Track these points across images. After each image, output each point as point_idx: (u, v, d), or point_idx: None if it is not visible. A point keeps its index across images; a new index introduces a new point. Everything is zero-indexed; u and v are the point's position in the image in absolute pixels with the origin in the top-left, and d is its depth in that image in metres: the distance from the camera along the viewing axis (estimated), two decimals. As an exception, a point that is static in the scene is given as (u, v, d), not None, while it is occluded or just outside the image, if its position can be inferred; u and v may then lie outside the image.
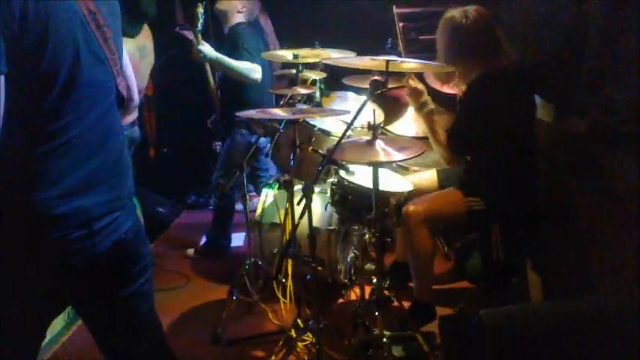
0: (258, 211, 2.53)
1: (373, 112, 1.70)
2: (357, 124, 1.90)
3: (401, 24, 3.25)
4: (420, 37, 3.29)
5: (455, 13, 2.01)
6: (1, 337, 1.11)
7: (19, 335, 1.13)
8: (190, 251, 3.10)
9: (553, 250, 2.25)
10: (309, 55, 2.18)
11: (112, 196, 1.11)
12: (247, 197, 2.27)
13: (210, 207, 3.29)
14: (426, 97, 2.05)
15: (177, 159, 3.92)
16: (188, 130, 3.76)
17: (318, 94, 2.48)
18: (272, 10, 3.49)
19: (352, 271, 2.43)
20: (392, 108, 2.63)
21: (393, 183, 2.19)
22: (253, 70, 2.68)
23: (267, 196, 2.56)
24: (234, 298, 2.30)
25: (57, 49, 0.96)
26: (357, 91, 2.55)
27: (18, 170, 1.01)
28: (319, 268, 1.77)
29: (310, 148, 1.97)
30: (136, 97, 1.26)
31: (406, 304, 2.15)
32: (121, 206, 1.13)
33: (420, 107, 2.04)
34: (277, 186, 2.53)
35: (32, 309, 1.11)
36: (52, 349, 2.16)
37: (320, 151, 1.97)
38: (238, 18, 2.82)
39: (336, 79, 2.63)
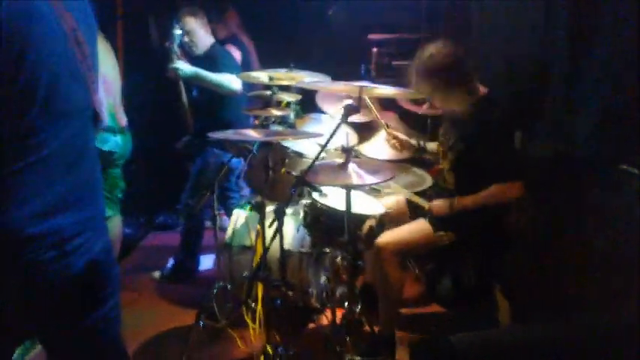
0: (229, 233, 2.47)
1: (346, 136, 1.71)
2: (331, 146, 1.91)
3: (375, 49, 3.35)
4: (393, 63, 3.39)
5: (426, 51, 2.04)
6: None
7: None
8: (156, 274, 2.99)
9: (520, 273, 2.29)
10: (284, 77, 2.19)
11: (85, 215, 1.07)
12: (217, 218, 2.22)
13: (179, 228, 3.21)
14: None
15: (146, 177, 3.82)
16: (158, 148, 3.69)
17: (292, 115, 2.50)
18: (250, 31, 3.52)
19: (324, 295, 2.40)
20: (364, 131, 2.67)
21: (365, 205, 2.19)
22: (233, 81, 2.68)
23: (239, 217, 2.51)
24: (201, 323, 2.22)
25: (36, 65, 0.95)
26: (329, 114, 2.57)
27: None
28: (290, 292, 1.74)
29: (284, 169, 1.96)
30: (105, 117, 1.24)
31: (377, 329, 2.12)
32: (93, 226, 1.09)
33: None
34: (249, 207, 2.49)
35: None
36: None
37: (293, 172, 1.96)
38: (209, 38, 2.83)
39: (310, 101, 2.66)
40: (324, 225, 2.07)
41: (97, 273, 1.09)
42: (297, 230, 2.34)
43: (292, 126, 2.46)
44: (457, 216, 1.98)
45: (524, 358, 1.21)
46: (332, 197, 2.08)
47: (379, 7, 3.67)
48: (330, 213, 2.03)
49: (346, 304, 1.91)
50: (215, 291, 2.29)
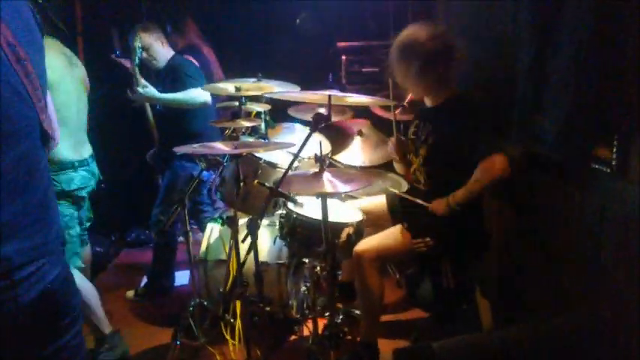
0: (203, 247, 2.41)
1: (319, 144, 1.68)
2: (305, 155, 1.88)
3: (344, 57, 3.36)
4: (363, 70, 3.40)
5: (413, 30, 1.92)
6: None
7: None
8: (130, 293, 2.89)
9: (499, 274, 2.31)
10: (251, 87, 2.15)
11: (37, 241, 1.00)
12: (190, 233, 2.15)
13: (152, 245, 3.12)
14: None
15: (117, 194, 3.70)
16: (128, 163, 3.58)
17: (263, 126, 2.46)
18: (216, 42, 3.47)
19: (305, 306, 2.36)
20: (339, 138, 2.66)
21: (342, 213, 2.17)
22: (200, 95, 2.62)
23: (213, 231, 2.45)
24: (177, 343, 2.15)
25: None
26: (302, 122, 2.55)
27: None
28: (267, 308, 1.69)
29: (256, 181, 1.92)
30: (57, 136, 1.17)
31: (359, 338, 2.10)
32: (46, 252, 1.02)
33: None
34: (221, 222, 2.44)
35: None
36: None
37: (266, 184, 1.92)
38: (168, 50, 2.77)
39: (283, 110, 2.63)
40: (301, 235, 2.03)
41: (52, 303, 1.03)
42: (274, 242, 2.30)
43: (264, 136, 2.42)
44: (435, 222, 1.96)
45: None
46: (308, 207, 2.05)
47: (347, 15, 3.69)
48: (306, 223, 2.00)
49: (327, 313, 1.88)
50: (191, 308, 2.22)
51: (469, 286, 2.14)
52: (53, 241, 1.05)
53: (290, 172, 1.61)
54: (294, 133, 2.56)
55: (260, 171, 2.09)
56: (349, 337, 2.01)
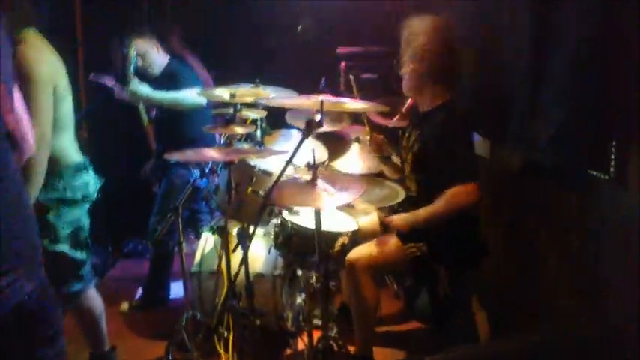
0: (197, 258, 2.36)
1: (312, 152, 1.64)
2: (300, 163, 1.84)
3: (343, 63, 3.33)
4: (362, 76, 3.36)
5: (424, 25, 1.93)
6: None
7: None
8: (125, 305, 2.84)
9: (496, 283, 2.25)
10: (247, 93, 2.12)
11: (11, 252, 0.96)
12: (183, 244, 2.10)
13: (149, 255, 3.07)
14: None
15: (113, 204, 3.67)
16: (124, 172, 3.55)
17: (259, 133, 2.42)
18: (215, 48, 3.47)
19: (300, 317, 2.30)
20: (336, 145, 2.62)
21: (338, 222, 2.12)
22: (193, 95, 2.59)
23: (207, 241, 2.40)
24: (169, 357, 2.09)
25: None
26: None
27: None
28: (257, 322, 1.64)
29: (249, 189, 1.87)
30: (31, 139, 1.14)
31: (353, 349, 2.04)
32: (22, 263, 0.98)
33: None
34: (212, 231, 2.39)
35: None
36: None
37: (260, 192, 1.88)
38: (164, 55, 2.76)
39: (280, 117, 2.59)
40: (297, 245, 1.98)
41: (30, 315, 1.00)
42: (269, 252, 2.25)
43: (260, 143, 2.39)
44: (429, 228, 1.91)
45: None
46: (303, 215, 2.00)
47: (347, 21, 3.67)
48: (301, 232, 1.95)
49: (321, 325, 1.82)
50: (184, 321, 2.17)
51: (466, 295, 2.08)
52: (29, 251, 1.01)
53: (283, 180, 1.57)
54: (290, 141, 2.52)
55: (254, 179, 2.05)
56: (344, 350, 1.95)
